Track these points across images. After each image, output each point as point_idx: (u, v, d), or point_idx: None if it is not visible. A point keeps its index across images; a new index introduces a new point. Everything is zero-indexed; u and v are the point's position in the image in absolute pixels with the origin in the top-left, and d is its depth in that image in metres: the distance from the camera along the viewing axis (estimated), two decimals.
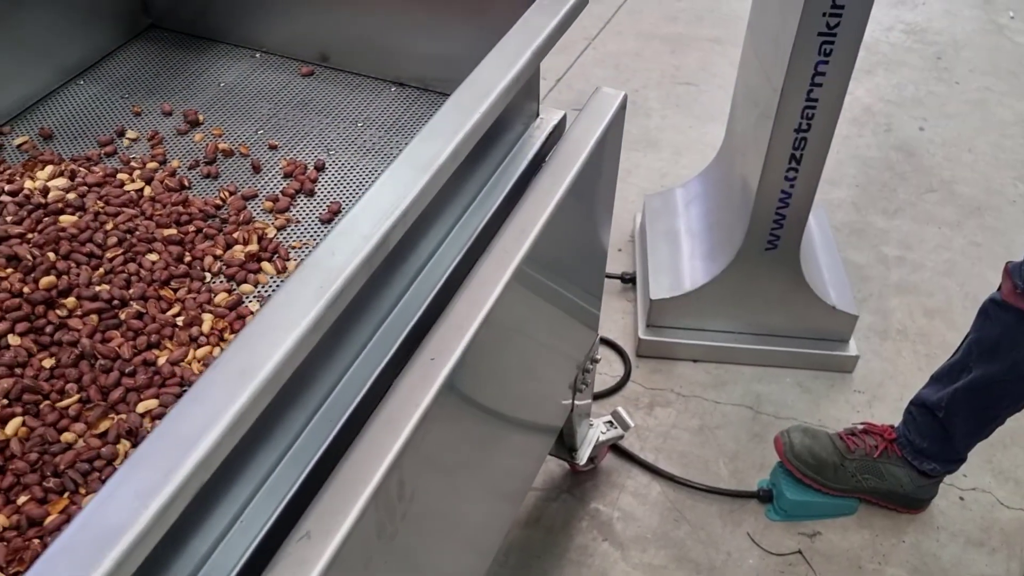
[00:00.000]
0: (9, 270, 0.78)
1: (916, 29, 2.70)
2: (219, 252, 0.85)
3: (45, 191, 0.87)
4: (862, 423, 1.43)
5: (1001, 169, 2.16)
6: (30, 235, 0.83)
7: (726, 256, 1.55)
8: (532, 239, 0.80)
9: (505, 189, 0.89)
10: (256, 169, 0.95)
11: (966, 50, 2.60)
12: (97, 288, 0.79)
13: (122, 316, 0.78)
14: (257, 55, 1.11)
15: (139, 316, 0.78)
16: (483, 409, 0.84)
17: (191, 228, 0.87)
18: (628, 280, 1.79)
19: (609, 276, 1.76)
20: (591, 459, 1.38)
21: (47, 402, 0.71)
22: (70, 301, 0.77)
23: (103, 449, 0.68)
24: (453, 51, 0.99)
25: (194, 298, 0.80)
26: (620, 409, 1.42)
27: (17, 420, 0.69)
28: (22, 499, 0.66)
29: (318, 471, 0.63)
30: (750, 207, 1.46)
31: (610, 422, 1.43)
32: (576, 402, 1.22)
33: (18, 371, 0.72)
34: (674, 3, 2.82)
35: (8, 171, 0.92)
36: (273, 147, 0.97)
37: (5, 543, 0.63)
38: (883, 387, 1.62)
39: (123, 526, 0.46)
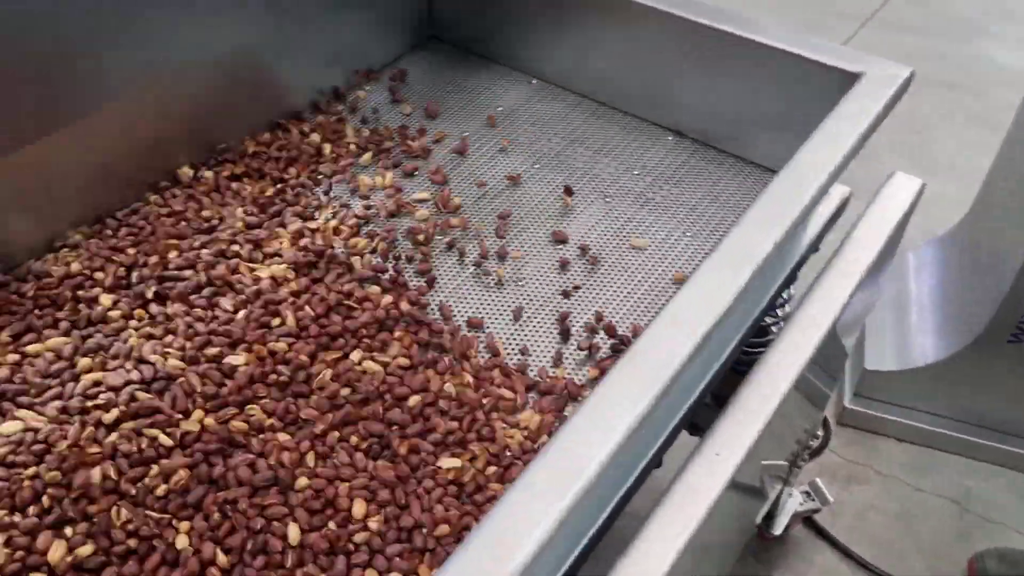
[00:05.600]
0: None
1: None
2: None
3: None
4: None
5: None
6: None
7: (959, 339, 1.44)
8: (820, 339, 0.76)
9: (784, 272, 0.85)
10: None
11: None
12: None
13: None
14: (533, 82, 1.11)
15: None
16: (736, 489, 0.82)
17: None
18: None
19: None
20: (784, 528, 1.33)
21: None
22: None
23: None
24: (736, 108, 0.96)
25: None
26: (819, 481, 1.36)
27: None
28: None
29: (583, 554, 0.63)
30: (1002, 292, 1.34)
31: (808, 493, 1.37)
32: (790, 476, 1.17)
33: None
34: (904, 39, 2.65)
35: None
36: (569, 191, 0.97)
37: None
38: None
39: None
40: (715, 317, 0.61)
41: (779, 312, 0.97)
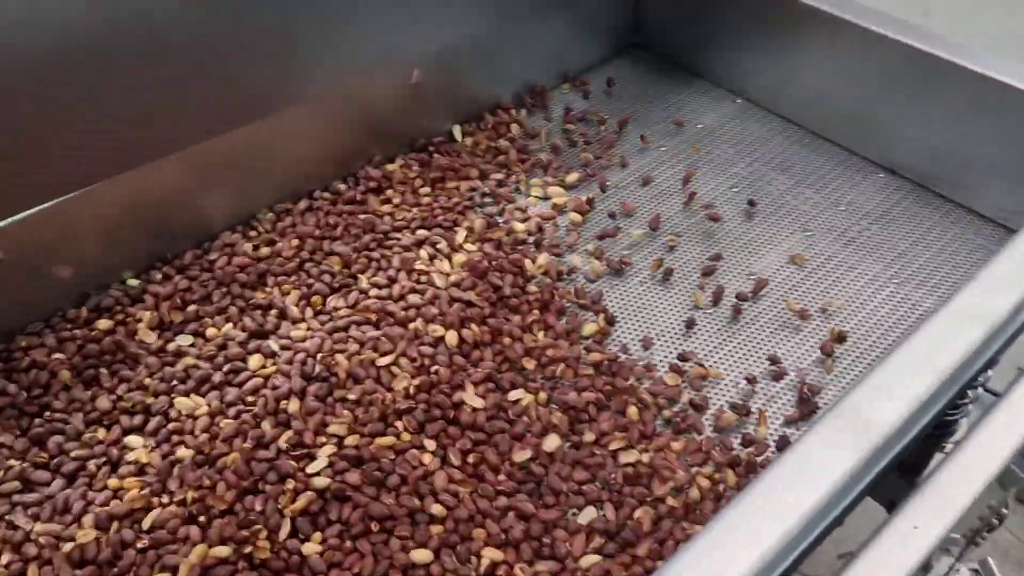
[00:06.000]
0: None
1: None
2: None
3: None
4: None
5: None
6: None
7: None
8: None
9: (1003, 337, 0.78)
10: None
11: None
12: None
13: None
14: (737, 101, 1.07)
15: None
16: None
17: None
18: None
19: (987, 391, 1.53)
20: None
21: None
22: None
23: None
24: (963, 150, 0.89)
25: None
26: (991, 561, 1.24)
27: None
28: None
29: None
30: None
31: (977, 571, 1.25)
32: (964, 552, 1.08)
33: None
34: None
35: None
36: (752, 207, 0.93)
37: None
38: None
39: None
40: (938, 380, 0.56)
41: (980, 378, 0.89)
